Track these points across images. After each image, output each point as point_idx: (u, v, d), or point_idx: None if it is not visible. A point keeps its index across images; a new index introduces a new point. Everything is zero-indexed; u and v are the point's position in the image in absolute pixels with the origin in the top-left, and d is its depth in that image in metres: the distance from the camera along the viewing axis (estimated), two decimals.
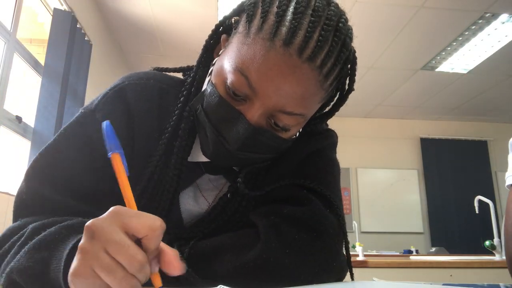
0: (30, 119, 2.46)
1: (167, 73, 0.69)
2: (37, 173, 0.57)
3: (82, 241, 0.35)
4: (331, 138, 0.67)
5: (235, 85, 0.50)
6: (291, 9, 0.49)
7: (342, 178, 0.69)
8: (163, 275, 0.39)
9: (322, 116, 0.63)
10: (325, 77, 0.51)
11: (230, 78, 0.51)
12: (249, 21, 0.51)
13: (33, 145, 2.42)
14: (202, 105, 0.56)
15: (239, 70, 0.50)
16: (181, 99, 0.61)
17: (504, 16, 3.31)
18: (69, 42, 2.62)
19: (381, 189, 5.59)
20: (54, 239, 0.45)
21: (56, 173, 0.57)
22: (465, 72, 4.36)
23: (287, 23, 0.48)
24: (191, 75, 0.63)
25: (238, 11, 0.57)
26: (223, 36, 0.59)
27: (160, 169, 0.59)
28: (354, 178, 5.61)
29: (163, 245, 0.38)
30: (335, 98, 0.60)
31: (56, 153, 0.58)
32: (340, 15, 0.52)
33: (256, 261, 0.50)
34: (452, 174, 5.69)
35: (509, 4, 3.15)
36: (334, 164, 0.66)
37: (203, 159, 0.60)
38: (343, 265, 0.58)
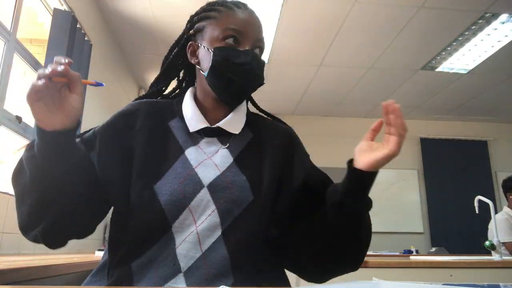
0: (30, 119, 2.46)
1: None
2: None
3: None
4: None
5: (231, 37, 0.84)
6: None
7: (342, 178, 0.77)
8: None
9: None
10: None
11: (224, 35, 0.83)
12: (209, 17, 0.88)
13: None
14: (221, 59, 0.82)
15: (228, 29, 0.84)
16: (177, 91, 0.97)
17: (504, 16, 3.32)
18: (69, 42, 2.62)
19: (381, 189, 5.59)
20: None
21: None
22: (465, 72, 4.36)
23: (229, 4, 0.88)
24: (179, 79, 0.98)
25: (189, 27, 0.94)
26: (190, 43, 0.91)
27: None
28: None
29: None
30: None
31: None
32: None
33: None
34: (452, 174, 5.69)
35: (509, 4, 3.15)
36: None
37: (202, 126, 0.85)
38: None
